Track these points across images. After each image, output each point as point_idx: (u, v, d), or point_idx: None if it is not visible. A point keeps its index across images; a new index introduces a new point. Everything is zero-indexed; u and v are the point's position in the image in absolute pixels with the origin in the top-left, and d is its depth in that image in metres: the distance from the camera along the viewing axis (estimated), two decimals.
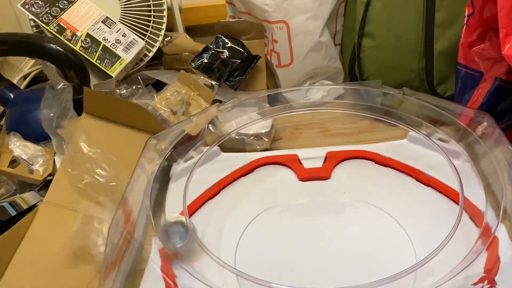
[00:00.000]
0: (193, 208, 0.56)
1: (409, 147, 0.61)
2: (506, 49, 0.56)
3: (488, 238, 0.44)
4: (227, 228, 0.53)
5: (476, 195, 0.50)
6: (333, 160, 0.60)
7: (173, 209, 0.54)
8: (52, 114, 0.63)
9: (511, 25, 0.59)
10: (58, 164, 0.64)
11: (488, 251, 0.43)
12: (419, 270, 0.45)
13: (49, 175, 0.63)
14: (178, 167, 0.60)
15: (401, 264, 0.45)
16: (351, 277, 0.47)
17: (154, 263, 0.47)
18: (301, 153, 0.62)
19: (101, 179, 0.55)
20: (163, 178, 0.59)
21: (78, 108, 0.64)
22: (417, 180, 0.56)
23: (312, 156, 0.61)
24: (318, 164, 0.60)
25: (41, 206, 0.55)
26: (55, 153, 0.65)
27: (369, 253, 0.49)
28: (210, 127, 0.64)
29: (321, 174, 0.59)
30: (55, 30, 0.71)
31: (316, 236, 0.52)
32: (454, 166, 0.51)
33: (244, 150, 0.64)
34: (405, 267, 0.44)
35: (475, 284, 0.41)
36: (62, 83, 0.65)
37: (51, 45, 0.66)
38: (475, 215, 0.50)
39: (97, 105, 0.62)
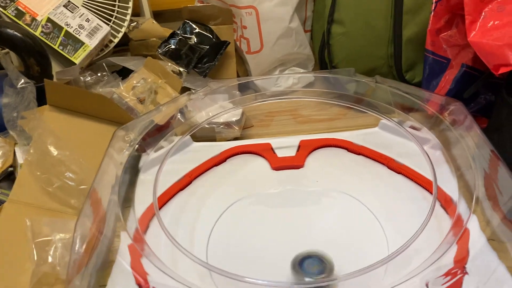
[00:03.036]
0: (164, 200, 0.54)
1: (381, 135, 0.61)
2: (471, 36, 0.56)
3: (459, 229, 0.44)
4: (199, 220, 0.52)
5: (448, 183, 0.51)
6: (306, 149, 0.60)
7: (143, 201, 0.52)
8: (15, 114, 0.59)
9: (476, 12, 0.59)
10: (18, 155, 0.61)
11: (458, 244, 0.43)
12: (391, 262, 0.45)
13: (10, 166, 0.60)
14: (148, 157, 0.58)
15: (373, 254, 0.45)
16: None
17: (123, 260, 0.45)
18: (274, 142, 0.61)
19: (71, 183, 0.53)
20: (133, 169, 0.57)
21: (41, 97, 0.61)
22: (389, 168, 0.57)
23: (285, 145, 0.60)
24: (292, 152, 0.60)
25: (5, 205, 0.52)
26: (15, 143, 0.62)
27: (342, 243, 0.49)
28: (180, 117, 0.62)
29: (294, 163, 0.58)
30: (13, 15, 0.67)
31: (289, 226, 0.51)
32: (427, 154, 0.52)
33: (214, 139, 0.63)
34: (378, 257, 0.43)
35: (445, 275, 0.42)
36: (23, 80, 0.61)
37: (8, 30, 0.62)
38: (447, 204, 0.50)
39: (60, 97, 0.60)
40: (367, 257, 0.46)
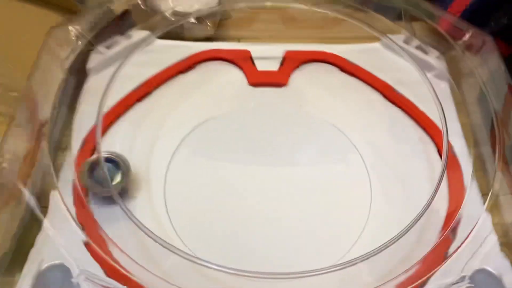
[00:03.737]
0: (116, 113, 0.45)
1: (382, 54, 0.51)
2: None
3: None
4: (158, 143, 0.44)
5: (450, 123, 0.43)
6: (292, 63, 0.50)
7: (89, 114, 0.43)
8: None
9: None
10: None
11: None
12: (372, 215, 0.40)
13: None
14: (98, 57, 0.47)
15: (352, 211, 0.40)
16: (297, 211, 0.40)
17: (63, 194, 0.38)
18: (255, 49, 0.51)
19: None
20: (79, 71, 0.46)
21: None
22: (385, 97, 0.48)
23: (267, 55, 0.50)
24: (274, 66, 0.50)
25: None
26: None
27: (319, 184, 0.42)
28: (140, 2, 0.50)
29: (276, 80, 0.49)
30: None
31: (262, 159, 0.44)
32: (434, 91, 0.43)
33: (181, 37, 0.52)
34: (354, 217, 0.40)
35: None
36: None
37: None
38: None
39: None
40: (345, 204, 0.41)
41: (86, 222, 0.37)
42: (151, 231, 0.34)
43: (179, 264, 0.34)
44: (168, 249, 0.33)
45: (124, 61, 0.44)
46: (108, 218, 0.38)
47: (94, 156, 0.39)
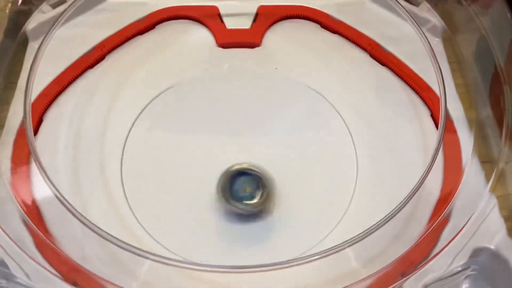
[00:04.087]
0: (64, 82, 0.39)
1: (368, 8, 0.45)
2: None
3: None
4: (113, 115, 0.38)
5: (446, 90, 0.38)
6: (266, 20, 0.44)
7: (38, 81, 0.37)
8: None
9: None
10: None
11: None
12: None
13: None
14: (41, 16, 0.41)
15: (338, 181, 0.36)
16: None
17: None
18: (223, 4, 0.44)
19: None
20: (16, 34, 0.40)
21: None
22: (372, 56, 0.43)
23: (238, 12, 0.44)
24: (246, 23, 0.44)
25: None
26: None
27: (297, 156, 0.37)
28: None
29: (248, 40, 0.43)
30: None
31: (234, 130, 0.38)
32: (431, 48, 0.38)
33: None
34: (343, 184, 0.35)
35: None
36: None
37: None
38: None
39: None
40: (327, 189, 0.36)
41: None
42: (107, 233, 0.29)
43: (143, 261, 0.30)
44: (122, 248, 0.28)
45: (68, 21, 0.38)
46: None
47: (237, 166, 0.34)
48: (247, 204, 0.33)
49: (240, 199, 0.33)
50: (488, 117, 0.38)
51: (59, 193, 0.30)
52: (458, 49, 0.42)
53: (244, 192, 0.33)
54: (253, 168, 0.34)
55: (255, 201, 0.33)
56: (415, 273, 0.28)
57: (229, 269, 0.28)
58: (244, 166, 0.34)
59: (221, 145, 0.38)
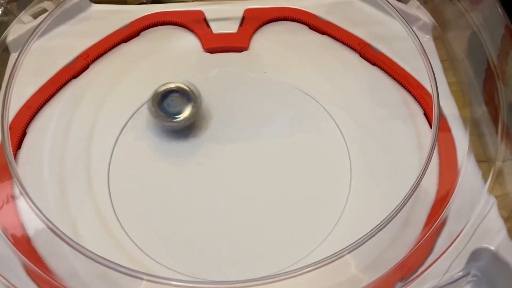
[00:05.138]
0: (47, 93, 0.38)
1: (356, 8, 0.45)
2: None
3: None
4: (99, 126, 0.37)
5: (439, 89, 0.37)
6: (254, 23, 0.43)
7: (21, 95, 0.36)
8: None
9: None
10: None
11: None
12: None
13: None
14: (21, 26, 0.40)
15: (332, 185, 0.34)
16: (265, 193, 0.34)
17: None
18: (209, 9, 0.44)
19: None
20: None
21: None
22: (362, 56, 0.42)
23: (224, 16, 0.43)
24: (233, 27, 0.43)
25: None
26: None
27: (289, 160, 0.36)
28: None
29: (235, 44, 0.42)
30: None
31: (224, 135, 0.37)
32: (422, 46, 0.37)
33: (123, 1, 0.44)
34: (337, 188, 0.34)
35: None
36: None
37: None
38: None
39: None
40: (320, 194, 0.34)
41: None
42: (100, 256, 0.27)
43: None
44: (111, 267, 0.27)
45: (50, 31, 0.37)
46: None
47: (165, 86, 0.36)
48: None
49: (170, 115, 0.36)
50: (483, 115, 0.37)
51: (47, 218, 0.28)
52: (449, 47, 0.41)
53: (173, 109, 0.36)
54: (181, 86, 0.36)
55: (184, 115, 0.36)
56: (415, 279, 0.27)
57: (227, 284, 0.27)
58: (171, 86, 0.36)
59: (212, 152, 0.36)
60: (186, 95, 0.36)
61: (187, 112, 0.36)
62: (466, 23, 0.40)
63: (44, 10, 0.41)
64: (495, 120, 0.34)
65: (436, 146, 0.35)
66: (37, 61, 0.38)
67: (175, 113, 0.36)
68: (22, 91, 0.37)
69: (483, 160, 0.33)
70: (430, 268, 0.27)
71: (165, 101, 0.36)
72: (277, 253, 0.31)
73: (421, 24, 0.43)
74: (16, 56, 0.35)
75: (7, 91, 0.32)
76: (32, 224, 0.31)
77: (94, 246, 0.28)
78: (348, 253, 0.27)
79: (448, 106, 0.38)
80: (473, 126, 0.36)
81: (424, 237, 0.28)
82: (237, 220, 0.33)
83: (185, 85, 0.36)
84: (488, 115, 0.36)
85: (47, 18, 0.38)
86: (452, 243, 0.28)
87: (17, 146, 0.35)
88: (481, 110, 0.37)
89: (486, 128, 0.36)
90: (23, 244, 0.30)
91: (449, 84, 0.40)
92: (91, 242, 0.30)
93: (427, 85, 0.39)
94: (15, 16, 0.40)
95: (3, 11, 0.38)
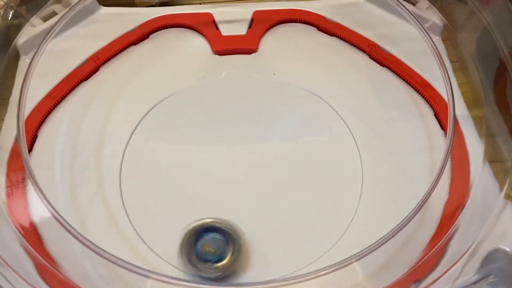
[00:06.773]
0: (58, 96, 0.38)
1: (365, 9, 0.45)
2: None
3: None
4: (110, 128, 0.37)
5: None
6: (262, 25, 0.43)
7: (31, 96, 0.36)
8: None
9: None
10: None
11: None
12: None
13: None
14: (32, 30, 0.40)
15: (343, 187, 0.34)
16: (277, 195, 0.34)
17: None
18: (218, 12, 0.44)
19: None
20: (7, 48, 0.39)
21: None
22: (371, 57, 0.42)
23: (233, 18, 0.43)
24: (242, 29, 0.43)
25: None
26: None
27: (300, 162, 0.36)
28: None
29: (245, 46, 0.42)
30: None
31: (234, 137, 0.37)
32: (435, 47, 0.37)
33: (132, 4, 0.44)
34: (348, 190, 0.34)
35: None
36: None
37: None
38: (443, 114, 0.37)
39: None
40: (331, 195, 0.34)
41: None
42: (109, 253, 0.27)
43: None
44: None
45: (60, 34, 0.37)
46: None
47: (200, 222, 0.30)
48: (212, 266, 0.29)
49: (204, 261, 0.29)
50: (494, 115, 0.37)
51: (57, 212, 0.28)
52: (459, 47, 0.41)
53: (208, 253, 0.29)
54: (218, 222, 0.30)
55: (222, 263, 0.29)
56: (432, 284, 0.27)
57: (232, 287, 0.27)
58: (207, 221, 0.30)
59: (222, 154, 0.37)
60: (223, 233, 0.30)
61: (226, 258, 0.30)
62: (476, 24, 0.40)
63: (54, 13, 0.41)
64: (507, 120, 0.33)
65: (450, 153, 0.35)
66: (47, 63, 0.38)
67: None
68: (32, 94, 0.36)
69: (495, 160, 0.33)
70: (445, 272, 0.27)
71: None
72: (285, 256, 0.31)
73: (431, 24, 0.43)
74: (30, 59, 0.36)
75: (22, 94, 0.32)
76: (44, 223, 0.31)
77: (105, 246, 0.28)
78: (357, 260, 0.27)
79: (459, 107, 0.37)
80: (485, 127, 0.35)
81: (439, 243, 0.28)
82: (246, 223, 0.32)
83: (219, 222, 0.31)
84: (500, 114, 0.35)
85: (60, 21, 0.38)
86: (469, 249, 0.27)
87: (29, 149, 0.35)
88: (492, 110, 0.37)
89: (497, 128, 0.36)
90: (35, 242, 0.30)
91: (459, 85, 0.40)
92: (102, 242, 0.30)
93: (437, 85, 0.39)
94: (25, 19, 0.40)
95: (13, 14, 0.38)
